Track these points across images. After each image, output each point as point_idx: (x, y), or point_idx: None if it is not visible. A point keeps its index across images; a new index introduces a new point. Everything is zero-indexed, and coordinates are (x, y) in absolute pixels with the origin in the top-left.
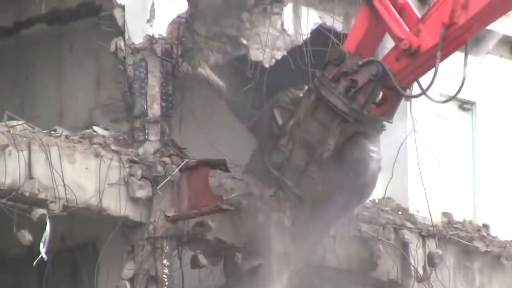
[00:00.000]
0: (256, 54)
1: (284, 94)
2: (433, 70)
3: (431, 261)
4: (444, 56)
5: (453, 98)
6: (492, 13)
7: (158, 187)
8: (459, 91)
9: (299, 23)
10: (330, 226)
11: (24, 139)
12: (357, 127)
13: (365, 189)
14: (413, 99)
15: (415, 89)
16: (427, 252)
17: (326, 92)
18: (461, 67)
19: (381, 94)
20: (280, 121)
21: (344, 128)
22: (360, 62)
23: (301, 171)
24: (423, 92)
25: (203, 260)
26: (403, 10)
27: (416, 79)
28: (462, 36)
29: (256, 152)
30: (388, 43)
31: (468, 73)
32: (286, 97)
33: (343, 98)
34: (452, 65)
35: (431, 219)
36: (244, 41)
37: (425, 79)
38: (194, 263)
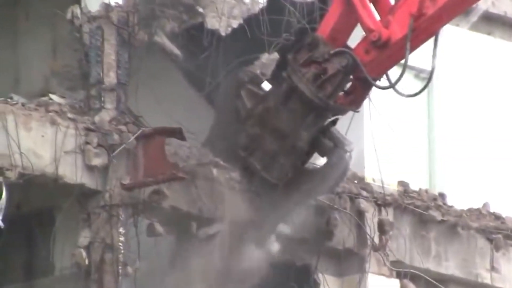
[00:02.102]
0: (212, 22)
1: (243, 73)
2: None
3: (381, 228)
4: (413, 48)
5: (422, 90)
6: (461, 3)
7: (113, 155)
8: (428, 82)
9: None
10: (295, 209)
11: None
12: (329, 115)
13: (336, 181)
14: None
15: (383, 79)
16: (380, 221)
17: (295, 77)
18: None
19: (350, 83)
20: (248, 104)
21: (320, 121)
22: (331, 52)
23: (270, 156)
24: (392, 85)
25: (159, 228)
26: None
27: (386, 70)
28: (431, 27)
29: (215, 126)
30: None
31: (436, 62)
32: (245, 75)
33: (310, 86)
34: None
35: (383, 188)
36: (201, 9)
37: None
38: (151, 231)
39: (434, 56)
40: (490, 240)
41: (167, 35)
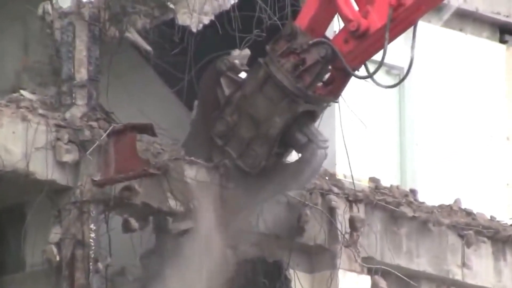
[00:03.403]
0: (183, 18)
1: (221, 62)
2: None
3: (353, 224)
4: (392, 38)
5: (400, 82)
6: None
7: (87, 152)
8: (407, 74)
9: None
10: (265, 202)
11: None
12: (306, 106)
13: (308, 176)
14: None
15: (362, 69)
16: (351, 217)
17: (274, 68)
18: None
19: (328, 73)
20: (226, 92)
21: (293, 107)
22: (310, 42)
23: (246, 144)
24: (370, 75)
25: (134, 224)
26: None
27: (365, 60)
28: (410, 17)
29: (197, 120)
30: None
31: (414, 53)
32: (223, 65)
33: (289, 76)
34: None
35: (354, 184)
36: (172, 6)
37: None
38: (126, 227)
39: (412, 47)
40: (462, 237)
41: (138, 31)
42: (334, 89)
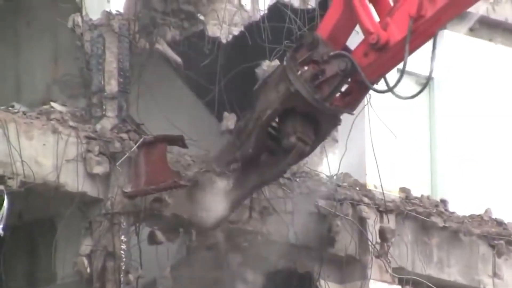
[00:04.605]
0: (213, 30)
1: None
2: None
3: (383, 235)
4: (412, 50)
5: (420, 92)
6: (459, 5)
7: (117, 164)
8: (427, 84)
9: None
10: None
11: None
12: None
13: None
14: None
15: (382, 83)
16: (382, 227)
17: (293, 77)
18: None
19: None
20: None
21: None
22: (331, 54)
23: (248, 135)
24: (390, 89)
25: (160, 236)
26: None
27: (385, 73)
28: (430, 29)
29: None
30: None
31: (435, 65)
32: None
33: (307, 86)
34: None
35: (385, 194)
36: (202, 17)
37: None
38: (152, 239)
39: (433, 58)
40: (492, 246)
41: (168, 43)
42: (352, 100)
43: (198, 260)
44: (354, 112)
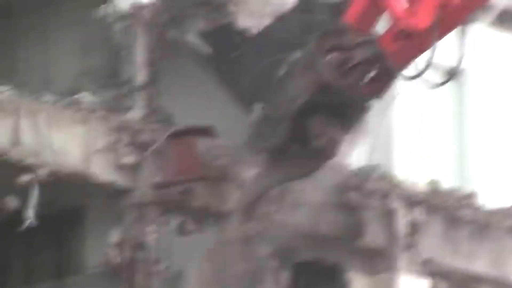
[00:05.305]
0: (243, 21)
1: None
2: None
3: (414, 228)
4: (440, 37)
5: (449, 80)
6: None
7: (147, 154)
8: (455, 72)
9: None
10: (276, 184)
11: (11, 105)
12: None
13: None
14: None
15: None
16: (411, 220)
17: (319, 63)
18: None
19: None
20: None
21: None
22: (358, 40)
23: (272, 125)
24: (420, 74)
25: (190, 226)
26: None
27: (412, 60)
28: (457, 16)
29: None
30: None
31: (464, 53)
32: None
33: (334, 73)
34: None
35: (414, 186)
36: (231, 8)
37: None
38: (182, 229)
39: (462, 46)
40: None
41: (198, 34)
42: (379, 88)
43: (226, 251)
44: (384, 103)
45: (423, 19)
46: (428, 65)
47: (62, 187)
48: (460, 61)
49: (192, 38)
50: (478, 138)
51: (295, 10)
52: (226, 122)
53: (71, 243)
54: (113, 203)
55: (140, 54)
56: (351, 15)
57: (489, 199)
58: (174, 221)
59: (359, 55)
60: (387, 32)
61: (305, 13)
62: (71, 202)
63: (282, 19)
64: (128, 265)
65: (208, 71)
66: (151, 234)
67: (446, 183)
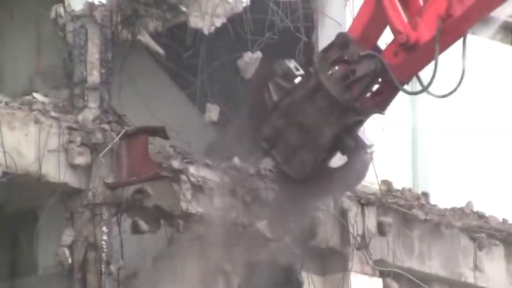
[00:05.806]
0: (195, 21)
1: (278, 66)
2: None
3: (381, 229)
4: (442, 50)
5: (453, 91)
6: (488, 4)
7: (100, 155)
8: (459, 84)
9: None
10: (310, 205)
11: None
12: (355, 118)
13: (354, 181)
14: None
15: (416, 83)
16: (376, 221)
17: (323, 76)
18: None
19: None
20: (275, 97)
21: (342, 119)
22: (361, 54)
23: (292, 151)
24: (425, 89)
25: (143, 225)
26: None
27: (415, 73)
28: (459, 28)
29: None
30: None
31: (466, 64)
32: (279, 69)
33: (338, 86)
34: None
35: (367, 187)
36: (184, 8)
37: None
38: (135, 228)
39: (463, 57)
40: (474, 239)
41: (150, 34)
42: (382, 101)
43: (180, 251)
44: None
45: (424, 32)
46: (432, 79)
47: (14, 187)
48: (464, 72)
49: (145, 38)
50: (431, 138)
51: (248, 10)
52: (178, 122)
53: (24, 243)
54: (65, 204)
55: (93, 54)
56: (355, 28)
57: (442, 199)
58: (127, 222)
59: (362, 68)
60: (389, 45)
61: (258, 13)
62: (23, 202)
63: (235, 20)
64: (80, 266)
65: (161, 72)
66: (104, 234)
67: (399, 183)
